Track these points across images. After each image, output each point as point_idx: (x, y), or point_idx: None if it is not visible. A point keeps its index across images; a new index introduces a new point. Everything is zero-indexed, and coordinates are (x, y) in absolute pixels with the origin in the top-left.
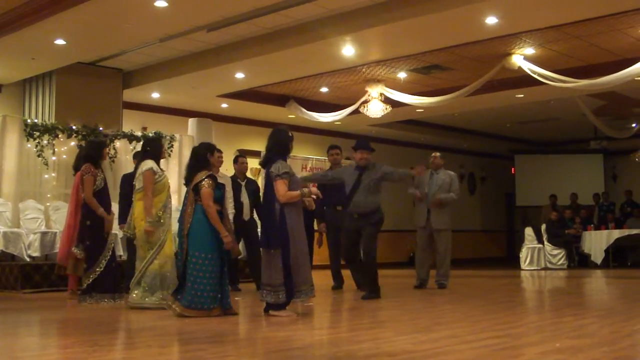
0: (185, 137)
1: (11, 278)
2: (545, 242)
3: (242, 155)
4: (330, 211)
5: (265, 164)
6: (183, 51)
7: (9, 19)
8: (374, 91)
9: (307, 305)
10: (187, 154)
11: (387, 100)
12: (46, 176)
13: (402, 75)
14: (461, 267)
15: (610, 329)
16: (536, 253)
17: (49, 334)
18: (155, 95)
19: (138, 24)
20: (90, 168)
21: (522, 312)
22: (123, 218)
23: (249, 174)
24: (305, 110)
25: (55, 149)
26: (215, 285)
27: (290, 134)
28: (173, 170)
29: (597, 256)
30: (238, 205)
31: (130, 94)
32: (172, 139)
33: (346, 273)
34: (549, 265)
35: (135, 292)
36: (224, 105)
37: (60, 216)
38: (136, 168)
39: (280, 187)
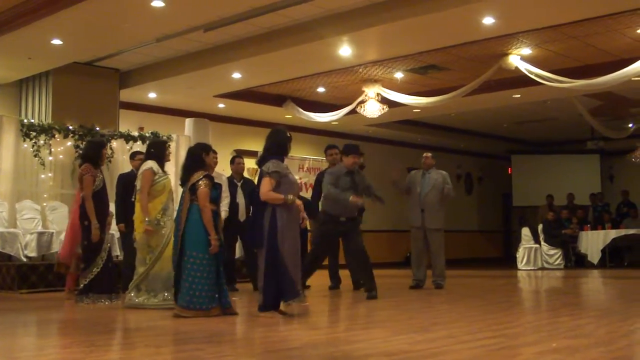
0: (182, 138)
1: (8, 278)
2: (542, 242)
3: (239, 156)
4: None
5: (261, 163)
6: (180, 51)
7: (6, 19)
8: (371, 91)
9: (303, 306)
10: (184, 154)
11: (384, 101)
12: (43, 176)
13: (399, 75)
14: (458, 267)
15: (607, 329)
16: (533, 253)
17: (46, 334)
18: (152, 95)
19: (135, 23)
20: (89, 168)
21: (518, 312)
22: (119, 218)
23: (247, 174)
24: (302, 111)
25: (52, 149)
26: (213, 285)
27: (289, 135)
28: (169, 170)
29: (594, 256)
30: (234, 205)
31: (127, 94)
32: (169, 139)
33: (344, 273)
34: (545, 266)
35: (133, 293)
36: (221, 106)
37: (57, 216)
38: (137, 169)
39: (265, 185)
